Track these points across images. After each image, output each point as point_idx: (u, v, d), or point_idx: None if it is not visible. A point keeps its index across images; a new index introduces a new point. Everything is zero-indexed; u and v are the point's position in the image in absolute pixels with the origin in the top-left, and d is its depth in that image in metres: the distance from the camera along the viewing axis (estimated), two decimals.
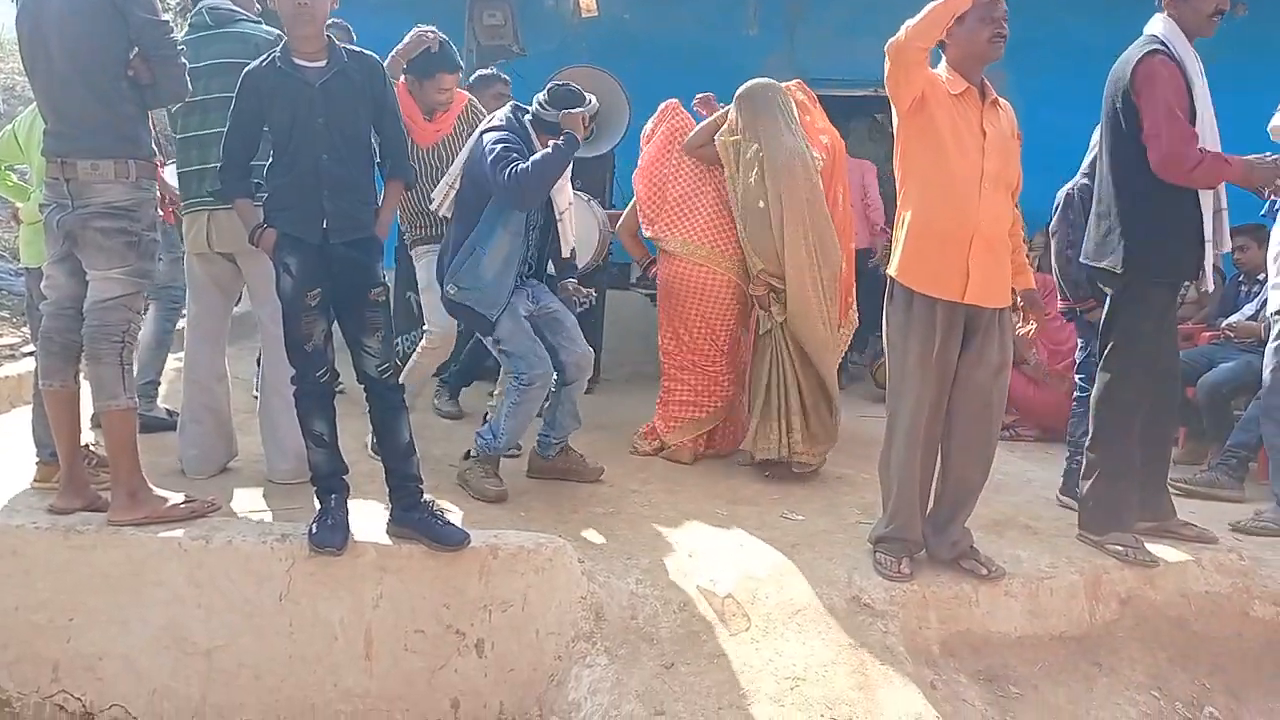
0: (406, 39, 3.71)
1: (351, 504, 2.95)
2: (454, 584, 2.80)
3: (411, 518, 2.87)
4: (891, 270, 3.06)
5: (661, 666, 2.68)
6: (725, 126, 4.06)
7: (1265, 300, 4.03)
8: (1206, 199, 3.18)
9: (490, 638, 2.79)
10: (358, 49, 2.95)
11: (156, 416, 4.05)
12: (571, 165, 3.57)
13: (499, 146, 3.35)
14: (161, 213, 3.26)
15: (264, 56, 2.87)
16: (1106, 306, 3.36)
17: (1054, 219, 3.97)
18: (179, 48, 2.91)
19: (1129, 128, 3.18)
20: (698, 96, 4.45)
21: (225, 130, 2.96)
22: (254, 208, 2.97)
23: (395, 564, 2.81)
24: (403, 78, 3.75)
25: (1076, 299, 3.85)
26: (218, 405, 3.57)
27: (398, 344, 3.97)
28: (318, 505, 2.91)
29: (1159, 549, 3.29)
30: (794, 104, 4.10)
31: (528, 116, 3.53)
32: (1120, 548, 3.23)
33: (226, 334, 3.68)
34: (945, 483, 3.14)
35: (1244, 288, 5.00)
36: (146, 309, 3.74)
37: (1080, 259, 3.47)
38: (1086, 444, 3.40)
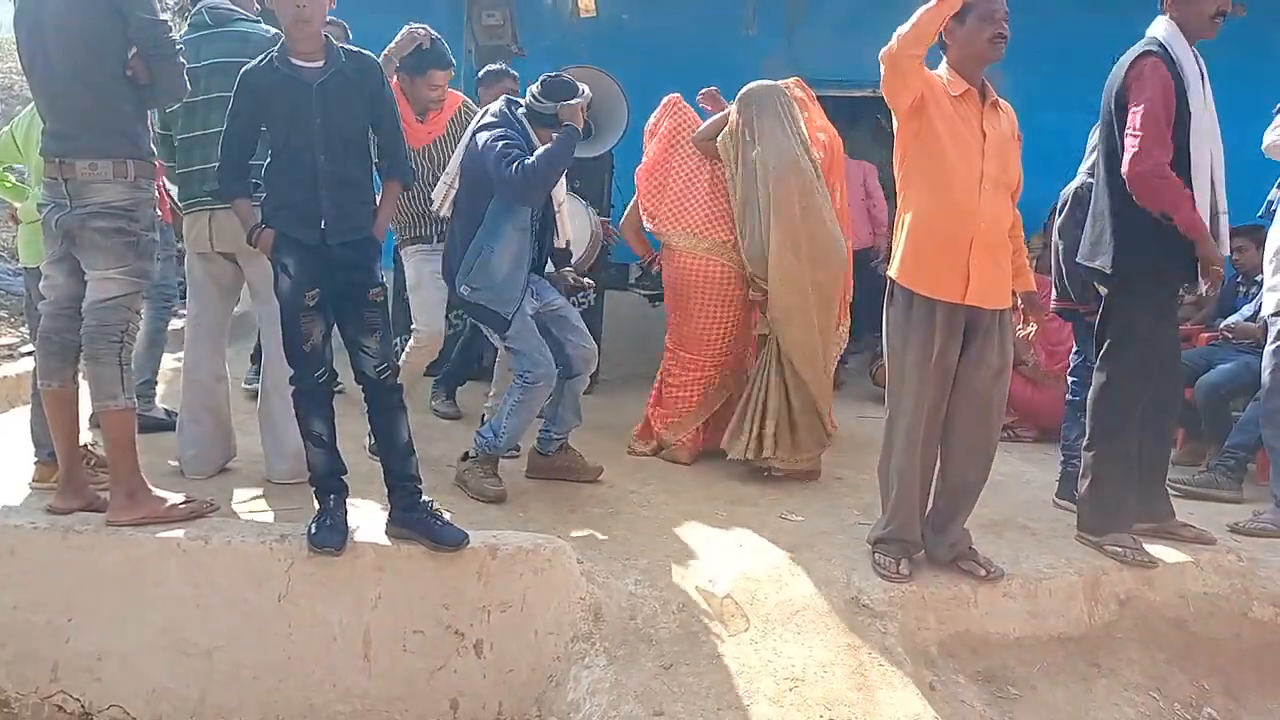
0: (398, 37, 3.72)
1: (350, 504, 2.94)
2: (453, 584, 2.80)
3: (410, 518, 2.87)
4: (891, 272, 3.06)
5: (660, 667, 2.67)
6: (727, 128, 4.07)
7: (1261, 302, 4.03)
8: (1204, 202, 3.17)
9: (489, 638, 2.79)
10: (355, 48, 2.95)
11: (155, 416, 4.05)
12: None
13: (500, 144, 3.35)
14: (160, 212, 3.25)
15: (261, 56, 2.87)
16: (1102, 306, 3.36)
17: (1059, 218, 3.96)
18: (177, 47, 2.90)
19: (1121, 129, 3.19)
20: (703, 91, 4.45)
21: (223, 130, 2.96)
22: (252, 207, 2.97)
23: (394, 564, 2.81)
24: (396, 77, 3.76)
25: (1080, 300, 3.84)
26: (217, 405, 3.57)
27: (396, 344, 3.97)
28: (316, 506, 2.91)
29: (1157, 550, 3.29)
30: (795, 105, 4.10)
31: (521, 110, 3.52)
32: (1119, 549, 3.23)
33: (226, 334, 3.68)
34: (944, 484, 3.14)
35: (1241, 289, 4.99)
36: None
37: (1077, 259, 3.47)
38: (1084, 444, 3.41)
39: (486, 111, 3.61)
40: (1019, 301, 3.31)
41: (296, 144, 2.82)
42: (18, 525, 2.84)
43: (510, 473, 3.72)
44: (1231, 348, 4.63)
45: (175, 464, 3.54)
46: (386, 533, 2.88)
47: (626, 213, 4.54)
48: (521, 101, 3.55)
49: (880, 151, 7.17)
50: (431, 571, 2.80)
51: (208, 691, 2.76)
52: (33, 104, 3.22)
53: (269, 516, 3.14)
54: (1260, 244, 4.21)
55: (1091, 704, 2.85)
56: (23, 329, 5.57)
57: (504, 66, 4.85)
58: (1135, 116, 3.11)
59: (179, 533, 2.83)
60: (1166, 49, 3.16)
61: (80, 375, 3.00)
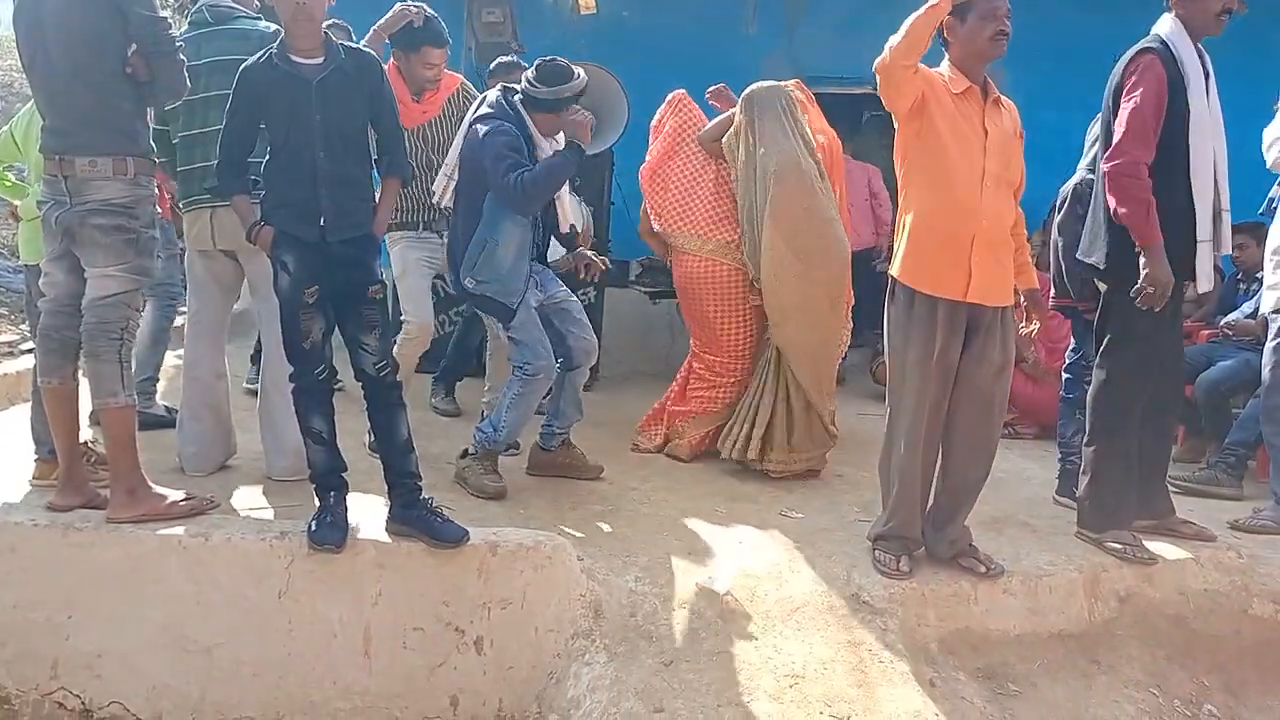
0: (389, 14, 3.69)
1: (350, 501, 2.95)
2: (453, 581, 2.80)
3: (410, 515, 2.87)
4: (893, 270, 3.06)
5: (661, 664, 2.68)
6: (731, 129, 4.06)
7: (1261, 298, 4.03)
8: (1204, 200, 3.16)
9: (489, 635, 2.79)
10: (355, 46, 2.95)
11: (155, 414, 4.05)
12: None
13: (499, 141, 3.34)
14: (160, 209, 3.25)
15: (261, 53, 2.87)
16: (1100, 303, 3.36)
17: (1059, 215, 3.96)
18: (177, 45, 2.90)
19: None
20: (712, 88, 4.44)
21: (222, 127, 2.95)
22: (251, 205, 2.96)
23: (394, 561, 2.81)
24: (391, 59, 3.74)
25: (1079, 297, 3.84)
26: (217, 402, 3.57)
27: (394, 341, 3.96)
28: (317, 503, 2.91)
29: (1158, 547, 3.29)
30: (798, 106, 4.09)
31: (517, 97, 3.51)
32: (1119, 545, 3.23)
33: (226, 331, 3.68)
34: (945, 481, 3.14)
35: (1242, 286, 4.99)
36: (144, 306, 3.73)
37: (1077, 254, 3.46)
38: (1084, 441, 3.40)
39: (483, 100, 3.60)
40: (1021, 299, 3.31)
41: (296, 141, 2.82)
42: (18, 522, 2.84)
43: (510, 469, 3.72)
44: (1232, 345, 4.63)
45: (176, 460, 3.54)
46: (387, 530, 2.88)
47: (640, 220, 4.51)
48: (517, 89, 3.53)
49: (885, 155, 7.18)
50: (432, 568, 2.80)
51: (208, 688, 2.76)
52: (32, 101, 3.22)
53: (269, 514, 3.14)
54: (1261, 241, 4.21)
55: (1091, 701, 2.85)
56: (23, 326, 5.56)
57: (515, 59, 4.81)
58: (1123, 112, 3.12)
59: (179, 530, 2.83)
60: (1168, 46, 3.16)
61: (80, 372, 3.00)
